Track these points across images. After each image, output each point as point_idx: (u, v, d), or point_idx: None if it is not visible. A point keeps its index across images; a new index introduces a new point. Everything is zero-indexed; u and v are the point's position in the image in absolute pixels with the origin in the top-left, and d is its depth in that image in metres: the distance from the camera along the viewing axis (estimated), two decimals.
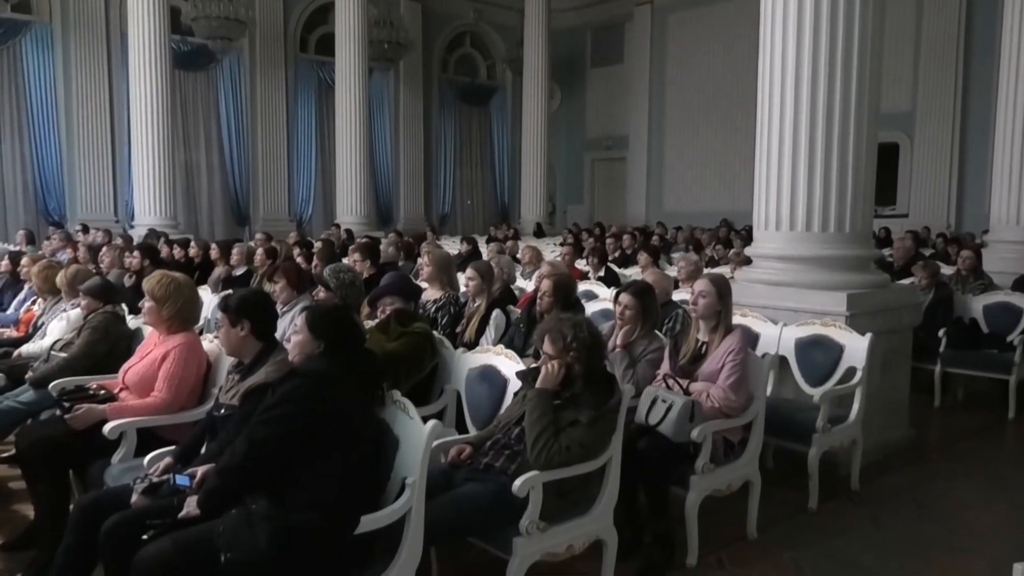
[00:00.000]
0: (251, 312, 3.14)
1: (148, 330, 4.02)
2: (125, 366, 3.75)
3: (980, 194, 13.29)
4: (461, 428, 3.72)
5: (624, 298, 4.05)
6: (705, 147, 18.60)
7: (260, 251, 7.88)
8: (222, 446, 2.80)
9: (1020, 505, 4.24)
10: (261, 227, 14.94)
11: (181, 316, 3.69)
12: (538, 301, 4.44)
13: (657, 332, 4.18)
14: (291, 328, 3.01)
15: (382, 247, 8.48)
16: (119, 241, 10.17)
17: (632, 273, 7.45)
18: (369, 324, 4.08)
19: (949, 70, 15.08)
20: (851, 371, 4.39)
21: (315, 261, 7.81)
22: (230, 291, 3.77)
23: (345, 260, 7.23)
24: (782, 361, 4.66)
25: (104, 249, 8.32)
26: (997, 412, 5.98)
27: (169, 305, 3.64)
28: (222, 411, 3.09)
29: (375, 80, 17.92)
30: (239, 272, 7.91)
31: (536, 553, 2.85)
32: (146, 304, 3.72)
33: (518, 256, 8.86)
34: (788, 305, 4.82)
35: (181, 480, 2.68)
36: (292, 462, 2.50)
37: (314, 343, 2.76)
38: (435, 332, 4.19)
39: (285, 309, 4.77)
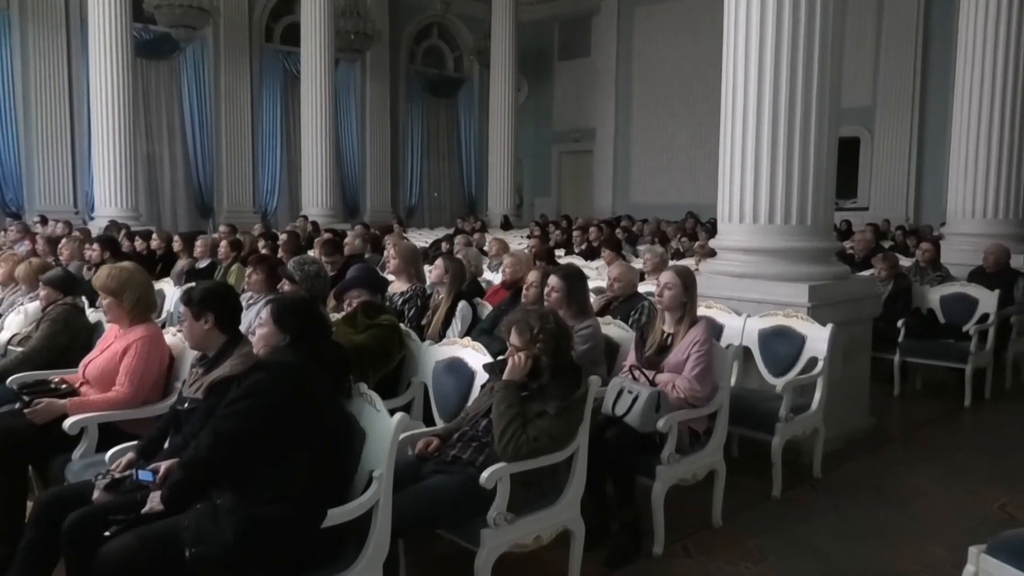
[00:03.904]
0: (215, 304, 3.09)
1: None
2: (85, 360, 3.68)
3: (938, 188, 13.53)
4: (428, 421, 3.72)
5: (552, 280, 4.13)
6: (671, 140, 18.72)
7: (224, 243, 7.76)
8: (186, 440, 2.76)
9: (976, 491, 4.34)
10: (225, 219, 14.73)
11: (142, 303, 3.63)
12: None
13: (605, 317, 4.21)
14: (256, 321, 2.97)
15: (348, 239, 8.41)
16: (78, 233, 9.96)
17: (598, 266, 7.49)
18: (335, 317, 4.04)
19: (908, 66, 15.34)
20: (813, 361, 4.46)
21: (280, 253, 7.72)
22: (193, 284, 3.70)
23: (311, 252, 7.17)
24: (746, 352, 4.71)
25: (63, 241, 8.13)
26: (954, 400, 6.12)
27: (128, 295, 3.57)
28: (186, 405, 3.04)
29: (341, 71, 17.73)
30: (202, 264, 7.79)
31: (504, 544, 2.85)
32: (104, 301, 3.64)
33: (485, 248, 8.85)
34: (752, 296, 4.88)
35: (144, 475, 2.62)
36: (258, 455, 2.47)
37: (280, 335, 2.72)
38: (402, 325, 4.17)
39: (251, 302, 4.72)
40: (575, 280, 4.16)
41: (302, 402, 2.53)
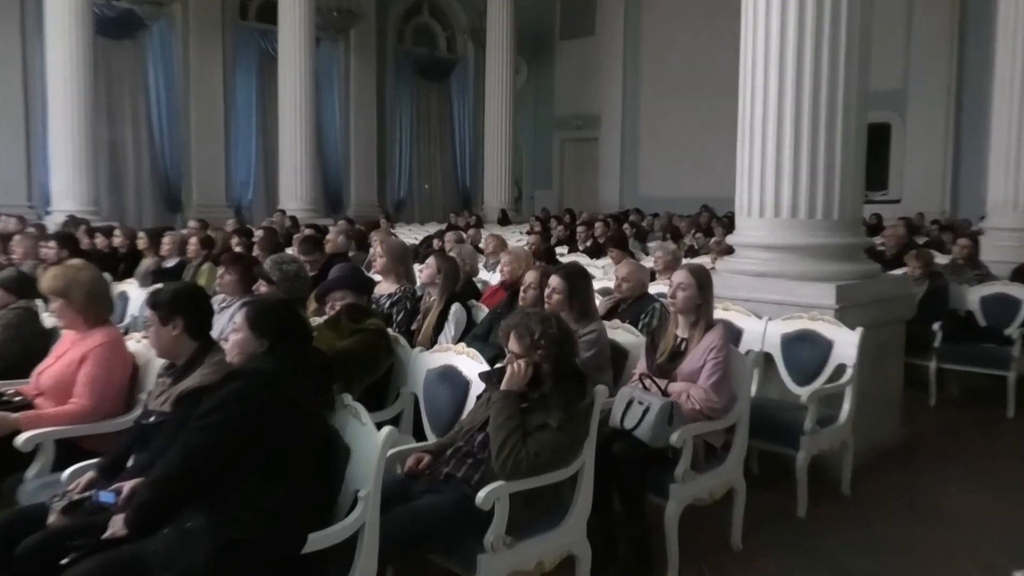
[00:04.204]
0: (184, 308, 3.09)
1: None
2: (39, 368, 3.67)
3: (977, 178, 13.53)
4: (419, 435, 3.71)
5: (553, 280, 4.13)
6: (684, 127, 18.69)
7: (194, 240, 7.76)
8: (153, 457, 2.75)
9: (1018, 508, 4.34)
10: (195, 214, 14.67)
11: (94, 302, 3.63)
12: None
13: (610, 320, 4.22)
14: (229, 326, 2.96)
15: (331, 236, 8.40)
16: (33, 229, 9.94)
17: (604, 265, 7.49)
18: (317, 321, 4.04)
19: (943, 45, 15.33)
20: (841, 368, 4.46)
21: (256, 251, 7.72)
22: (160, 285, 3.70)
23: (289, 250, 7.16)
24: (767, 358, 4.71)
25: (16, 238, 8.11)
26: (995, 410, 6.11)
27: (75, 294, 3.56)
28: (152, 418, 3.03)
29: (323, 51, 17.72)
30: (170, 264, 7.79)
31: (503, 570, 2.84)
32: (53, 305, 3.62)
33: (481, 246, 8.85)
34: (773, 298, 4.88)
35: (105, 497, 2.61)
36: (234, 472, 2.47)
37: (256, 342, 2.72)
38: (390, 329, 4.17)
39: (223, 305, 4.71)
40: (578, 280, 4.16)
41: (282, 410, 2.52)
